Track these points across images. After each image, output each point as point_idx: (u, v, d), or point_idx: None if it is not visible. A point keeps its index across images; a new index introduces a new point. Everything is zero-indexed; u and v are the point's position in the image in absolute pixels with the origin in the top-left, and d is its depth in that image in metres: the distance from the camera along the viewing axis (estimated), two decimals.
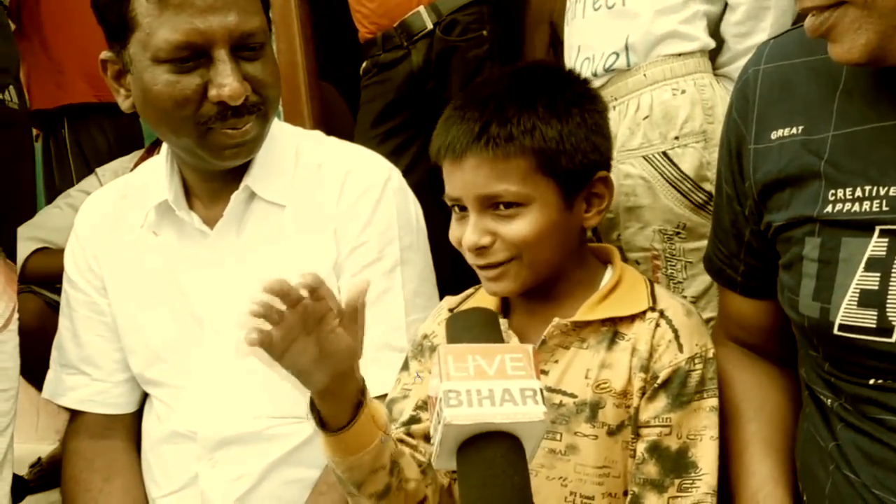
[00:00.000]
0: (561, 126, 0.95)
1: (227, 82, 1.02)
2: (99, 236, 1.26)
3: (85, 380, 1.26)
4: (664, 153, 1.29)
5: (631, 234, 1.34)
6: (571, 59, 1.41)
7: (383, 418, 0.90)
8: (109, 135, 2.33)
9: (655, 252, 1.32)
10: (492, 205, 0.95)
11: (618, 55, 1.31)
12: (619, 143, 1.32)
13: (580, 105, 0.98)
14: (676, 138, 1.28)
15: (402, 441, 0.98)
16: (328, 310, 0.82)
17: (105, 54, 1.10)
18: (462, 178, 0.96)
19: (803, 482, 0.92)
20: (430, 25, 1.85)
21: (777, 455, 0.95)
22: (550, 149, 0.94)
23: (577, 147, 0.96)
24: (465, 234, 0.96)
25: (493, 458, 0.69)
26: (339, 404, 0.87)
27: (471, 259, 0.99)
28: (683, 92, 1.28)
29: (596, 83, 1.34)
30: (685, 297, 1.31)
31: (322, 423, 0.88)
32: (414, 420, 1.03)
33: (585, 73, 1.35)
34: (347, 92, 2.17)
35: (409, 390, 1.06)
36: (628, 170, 1.32)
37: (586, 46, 1.37)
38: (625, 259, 1.33)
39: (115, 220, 1.25)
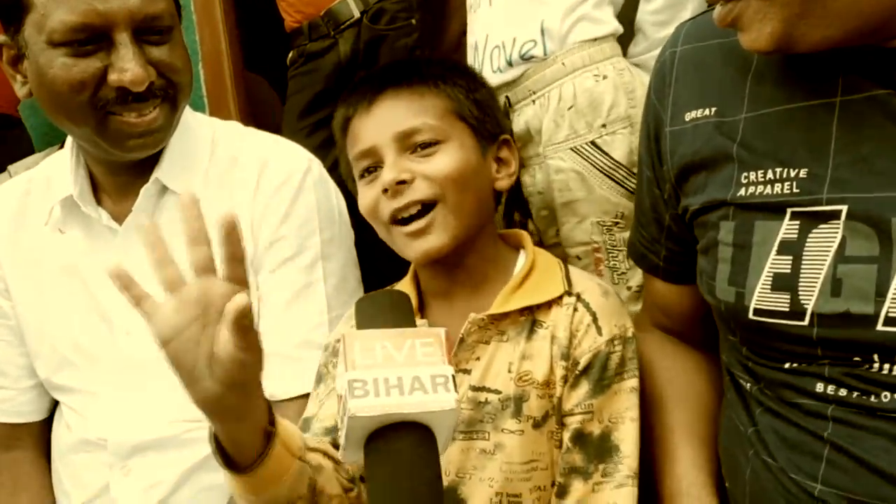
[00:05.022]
0: (466, 81, 1.03)
1: (128, 67, 1.00)
2: (1, 235, 1.22)
3: None
4: (593, 142, 1.29)
5: (569, 230, 1.35)
6: (479, 50, 1.40)
7: (298, 441, 0.83)
8: None
9: (596, 245, 1.33)
10: (409, 147, 0.97)
11: (535, 42, 1.32)
12: (546, 137, 1.33)
13: (474, 75, 1.09)
14: (604, 126, 1.29)
15: (325, 454, 0.91)
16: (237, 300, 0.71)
17: (0, 38, 1.08)
18: (375, 123, 0.98)
19: (725, 468, 0.94)
20: (357, 14, 1.85)
21: (700, 442, 0.97)
22: (462, 95, 1.01)
23: (483, 103, 1.04)
24: (382, 175, 0.97)
25: (402, 450, 0.68)
26: (243, 431, 0.77)
27: (387, 208, 0.97)
28: (605, 77, 1.29)
29: (511, 74, 1.35)
30: (630, 287, 1.32)
31: (227, 460, 0.79)
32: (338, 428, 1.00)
33: (497, 63, 1.36)
34: (279, 84, 2.14)
35: (324, 402, 1.03)
36: (558, 164, 1.32)
37: (496, 34, 1.37)
38: (565, 256, 1.34)
39: (18, 218, 1.22)
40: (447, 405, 0.68)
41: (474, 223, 1.00)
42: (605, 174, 1.29)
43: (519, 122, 1.35)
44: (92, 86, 1.01)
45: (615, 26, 1.33)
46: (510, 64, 1.34)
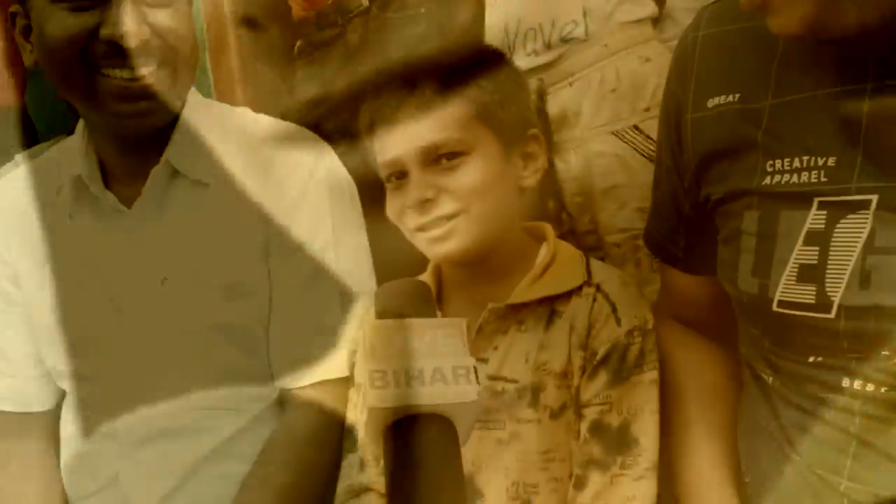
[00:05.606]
0: (492, 79, 1.01)
1: (121, 21, 1.00)
2: (9, 222, 1.24)
3: None
4: (635, 127, 1.29)
5: (609, 217, 1.33)
6: (510, 34, 1.39)
7: None
8: None
9: (636, 231, 1.30)
10: (434, 159, 0.98)
11: (576, 23, 1.31)
12: (585, 120, 1.32)
13: (506, 63, 1.07)
14: (647, 109, 1.28)
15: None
16: None
17: (13, 7, 1.09)
18: (401, 135, 0.99)
19: (746, 464, 0.94)
20: (366, 3, 1.83)
21: (720, 436, 0.97)
22: (487, 98, 1.00)
23: (511, 99, 1.02)
24: (409, 192, 0.99)
25: (422, 442, 0.66)
26: None
27: (413, 221, 1.01)
28: (648, 60, 1.29)
29: (547, 56, 1.34)
30: None
31: None
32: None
33: (532, 45, 1.35)
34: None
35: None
36: (600, 148, 1.31)
37: (531, 17, 1.36)
38: (599, 244, 1.33)
39: (27, 205, 1.23)
40: (468, 397, 0.67)
41: (497, 227, 1.02)
42: (648, 158, 1.27)
43: (554, 105, 1.34)
44: (82, 40, 1.02)
45: (654, 8, 1.33)
46: (548, 46, 1.33)
